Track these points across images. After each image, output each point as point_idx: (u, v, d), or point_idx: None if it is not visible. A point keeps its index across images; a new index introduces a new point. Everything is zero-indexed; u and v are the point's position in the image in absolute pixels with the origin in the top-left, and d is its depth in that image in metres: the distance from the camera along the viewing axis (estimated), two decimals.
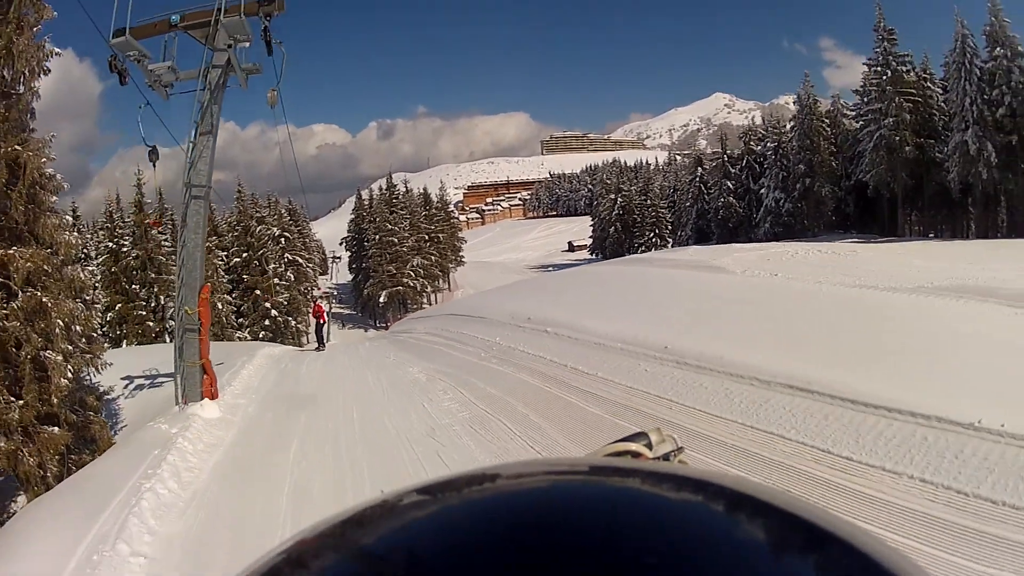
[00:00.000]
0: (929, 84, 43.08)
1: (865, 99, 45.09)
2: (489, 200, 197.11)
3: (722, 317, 11.94)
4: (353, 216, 70.41)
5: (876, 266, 13.98)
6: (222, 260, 41.09)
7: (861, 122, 45.36)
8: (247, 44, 11.98)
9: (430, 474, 6.74)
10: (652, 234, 67.97)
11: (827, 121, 49.15)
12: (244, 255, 41.36)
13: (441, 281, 68.01)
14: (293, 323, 43.47)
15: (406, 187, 71.81)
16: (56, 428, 9.48)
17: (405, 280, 58.96)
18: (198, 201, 11.96)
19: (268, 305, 40.96)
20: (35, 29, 10.61)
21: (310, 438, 9.96)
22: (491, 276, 65.87)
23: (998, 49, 36.77)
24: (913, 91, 42.70)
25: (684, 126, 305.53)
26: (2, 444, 8.96)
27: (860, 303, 11.11)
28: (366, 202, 69.04)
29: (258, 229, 42.28)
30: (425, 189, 77.17)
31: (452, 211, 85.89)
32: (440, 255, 68.96)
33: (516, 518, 0.55)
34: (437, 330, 19.87)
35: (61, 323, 9.71)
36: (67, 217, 11.02)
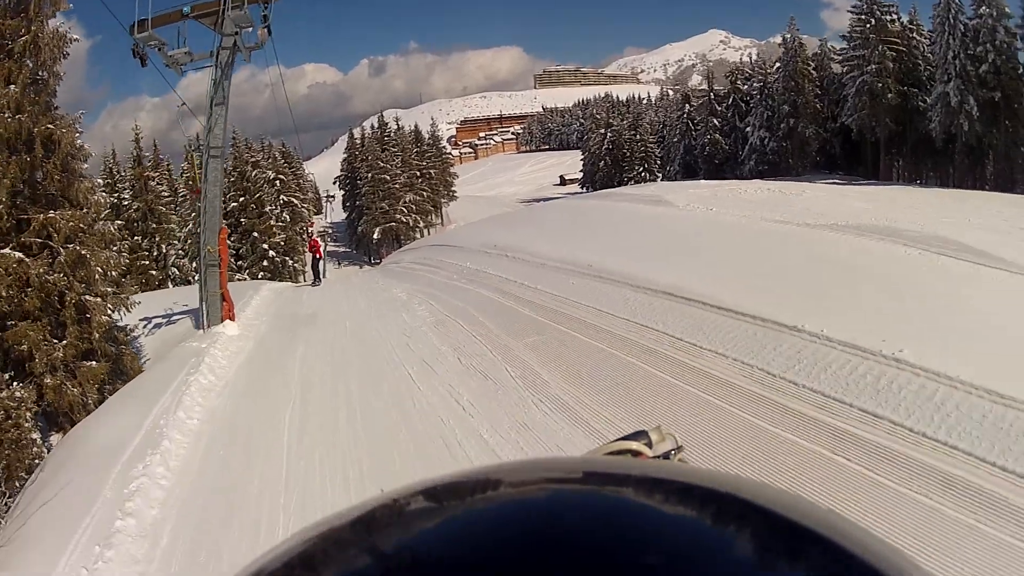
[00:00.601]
0: (915, 35, 44.42)
1: (851, 44, 46.23)
2: (482, 135, 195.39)
3: (645, 242, 13.98)
4: (346, 155, 71.46)
5: (810, 205, 15.46)
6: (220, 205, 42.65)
7: (846, 67, 46.62)
8: (251, 29, 13.72)
9: (401, 358, 8.80)
10: (641, 168, 68.68)
11: (812, 64, 50.40)
12: (241, 199, 42.78)
13: (434, 216, 69.18)
14: (290, 262, 45.10)
15: (398, 125, 72.58)
16: (94, 363, 11.35)
17: (398, 216, 60.24)
18: (215, 160, 14.37)
19: (266, 247, 42.50)
20: (53, 19, 12.17)
21: (313, 343, 12.43)
22: (481, 210, 67.44)
23: (983, 8, 37.62)
24: (897, 40, 43.94)
25: (679, 61, 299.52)
26: (48, 380, 10.78)
27: (764, 234, 12.83)
28: (358, 141, 70.12)
29: (254, 173, 43.55)
30: (416, 126, 78.02)
31: (444, 147, 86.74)
32: (432, 191, 70.16)
33: (515, 519, 0.56)
34: (421, 259, 22.36)
35: (100, 270, 11.63)
36: (98, 180, 12.64)
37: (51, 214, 11.00)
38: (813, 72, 50.05)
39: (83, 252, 11.16)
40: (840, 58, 48.25)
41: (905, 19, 45.18)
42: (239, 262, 41.83)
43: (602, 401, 7.58)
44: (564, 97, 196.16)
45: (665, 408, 7.12)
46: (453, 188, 78.17)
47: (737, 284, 9.43)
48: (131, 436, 7.81)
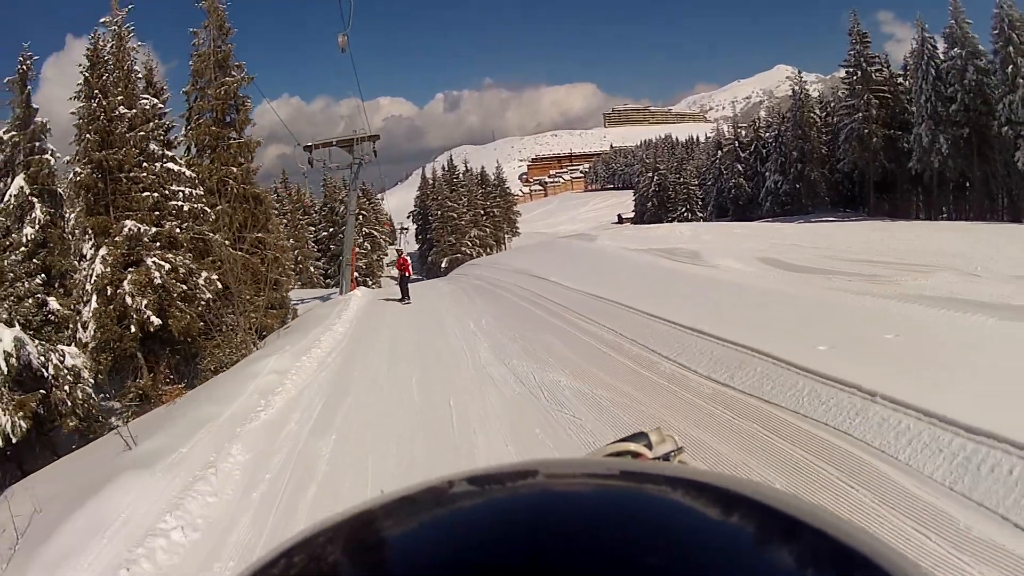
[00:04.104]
0: (906, 81, 49.53)
1: (844, 94, 53.25)
2: (552, 172, 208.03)
3: (559, 259, 24.23)
4: (418, 192, 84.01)
5: (670, 239, 26.17)
6: (311, 232, 55.30)
7: (839, 115, 53.67)
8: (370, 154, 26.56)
9: (432, 297, 22.15)
10: (684, 209, 77.19)
11: (817, 113, 57.93)
12: (330, 230, 55.13)
13: (495, 249, 79.87)
14: (370, 284, 56.74)
15: (466, 166, 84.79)
16: (275, 309, 22.77)
17: (463, 249, 71.29)
18: (351, 216, 28.28)
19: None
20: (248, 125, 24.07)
21: (394, 298, 23.73)
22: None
23: (955, 49, 42.65)
24: (884, 88, 49.88)
25: (747, 98, 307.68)
26: (254, 317, 21.95)
27: (622, 257, 22.58)
28: (430, 180, 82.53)
29: (342, 210, 55.66)
30: (483, 169, 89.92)
31: (508, 188, 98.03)
32: (495, 227, 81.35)
33: (516, 521, 0.58)
34: (461, 272, 34.89)
35: (287, 265, 23.19)
36: (284, 221, 24.42)
37: (258, 235, 22.61)
38: (819, 119, 57.62)
39: (277, 255, 22.82)
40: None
41: (900, 66, 50.86)
42: (327, 280, 53.75)
43: (490, 305, 18.54)
44: (632, 135, 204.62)
45: (507, 307, 17.73)
46: (517, 225, 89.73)
47: (583, 276, 19.34)
48: (330, 312, 19.41)
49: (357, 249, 57.90)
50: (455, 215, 73.42)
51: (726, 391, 7.92)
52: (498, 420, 8.55)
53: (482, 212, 79.33)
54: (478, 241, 74.39)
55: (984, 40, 42.01)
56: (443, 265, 70.36)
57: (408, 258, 25.65)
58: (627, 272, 18.48)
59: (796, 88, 59.58)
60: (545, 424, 8.01)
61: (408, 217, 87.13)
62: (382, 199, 79.15)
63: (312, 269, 53.47)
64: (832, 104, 58.22)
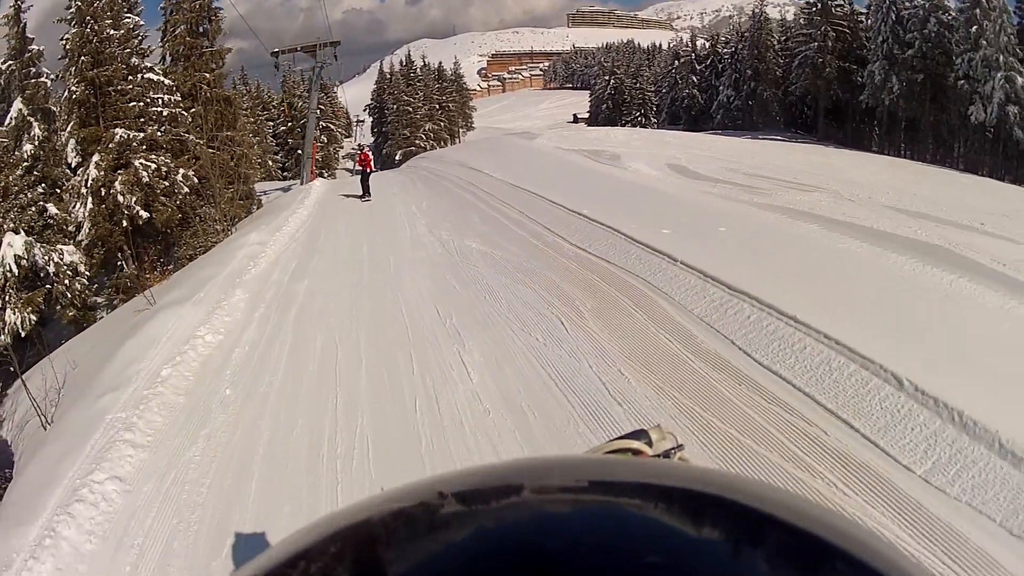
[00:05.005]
0: (868, 19, 51.48)
1: (802, 22, 56.11)
2: (511, 69, 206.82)
3: (494, 156, 26.77)
4: (375, 86, 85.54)
5: (600, 141, 29.57)
6: (270, 128, 57.56)
7: (796, 42, 56.24)
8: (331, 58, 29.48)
9: (385, 184, 26.32)
10: (639, 113, 79.40)
11: (775, 36, 60.06)
12: (288, 125, 57.52)
13: (449, 143, 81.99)
14: (326, 175, 59.45)
15: (424, 61, 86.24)
16: (243, 201, 25.87)
17: (417, 142, 73.72)
18: (312, 116, 31.18)
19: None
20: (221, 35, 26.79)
21: (355, 186, 25.67)
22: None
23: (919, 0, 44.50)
24: (843, 23, 52.17)
25: (716, 11, 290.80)
26: (223, 207, 24.99)
27: (552, 156, 25.73)
28: (387, 74, 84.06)
29: (300, 104, 57.81)
30: (440, 64, 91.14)
31: (465, 83, 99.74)
32: (449, 122, 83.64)
33: (515, 521, 0.59)
34: (410, 165, 37.40)
35: (253, 160, 26.27)
36: (251, 120, 27.33)
37: (228, 133, 25.60)
38: (776, 43, 59.85)
39: (246, 151, 25.87)
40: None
41: (864, 5, 52.70)
42: (285, 173, 56.42)
43: (431, 192, 21.62)
44: (595, 37, 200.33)
45: (444, 193, 20.75)
46: (472, 120, 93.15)
47: (520, 172, 22.24)
48: (294, 199, 22.64)
49: (316, 144, 60.93)
50: (410, 109, 75.68)
51: (583, 253, 11.61)
52: (422, 268, 12.31)
53: (437, 106, 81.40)
54: (432, 135, 76.69)
55: None
56: (397, 157, 72.52)
57: (370, 153, 24.95)
58: (551, 168, 21.78)
59: (757, 10, 61.61)
60: (454, 271, 11.82)
61: (364, 110, 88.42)
62: (337, 87, 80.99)
63: (271, 163, 55.87)
64: (792, 29, 60.11)
